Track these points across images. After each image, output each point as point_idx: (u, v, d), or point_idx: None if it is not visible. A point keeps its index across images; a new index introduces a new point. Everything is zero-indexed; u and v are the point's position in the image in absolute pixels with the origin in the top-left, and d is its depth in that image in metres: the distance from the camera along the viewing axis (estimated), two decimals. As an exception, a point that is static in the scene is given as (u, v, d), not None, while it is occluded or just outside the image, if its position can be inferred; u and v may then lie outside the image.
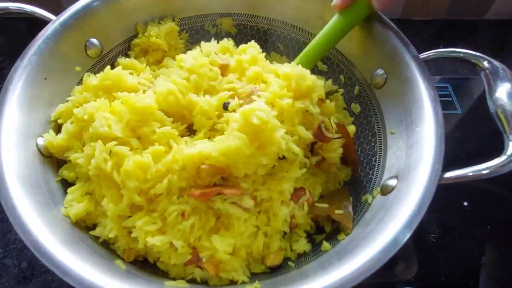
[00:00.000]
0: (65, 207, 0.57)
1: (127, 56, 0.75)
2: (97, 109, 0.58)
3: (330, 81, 0.76)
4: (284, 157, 0.58)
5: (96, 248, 0.55)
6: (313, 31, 0.75)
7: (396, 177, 0.58)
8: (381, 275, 0.59)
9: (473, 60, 0.61)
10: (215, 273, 0.55)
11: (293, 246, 0.61)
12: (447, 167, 0.53)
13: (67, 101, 0.64)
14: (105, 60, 0.72)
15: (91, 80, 0.64)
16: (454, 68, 1.02)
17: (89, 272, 0.46)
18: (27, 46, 0.62)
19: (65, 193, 0.59)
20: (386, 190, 0.58)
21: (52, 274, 0.67)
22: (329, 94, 0.69)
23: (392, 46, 0.64)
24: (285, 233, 0.61)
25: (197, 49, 0.68)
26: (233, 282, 0.56)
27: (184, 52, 0.73)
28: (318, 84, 0.61)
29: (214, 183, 0.56)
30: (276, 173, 0.59)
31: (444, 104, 0.90)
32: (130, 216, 0.56)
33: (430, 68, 1.01)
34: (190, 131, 0.62)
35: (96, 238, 0.57)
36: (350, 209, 0.61)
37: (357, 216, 0.60)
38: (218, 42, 0.70)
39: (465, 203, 0.78)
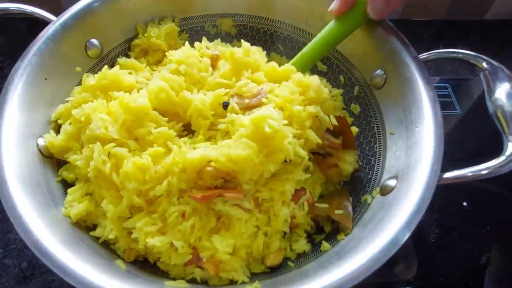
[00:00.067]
0: (66, 207, 0.57)
1: (127, 56, 0.75)
2: (94, 110, 0.58)
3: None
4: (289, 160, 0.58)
5: (96, 248, 0.55)
6: (313, 32, 0.75)
7: (395, 177, 0.58)
8: (381, 275, 0.59)
9: (472, 61, 0.62)
10: (215, 273, 0.55)
11: (293, 246, 0.61)
12: (446, 167, 0.53)
13: (67, 101, 0.64)
14: (105, 60, 0.72)
15: (89, 80, 0.64)
16: (454, 69, 1.02)
17: (89, 272, 0.46)
18: (28, 47, 0.62)
19: (66, 193, 0.59)
20: (385, 190, 0.58)
21: (52, 274, 0.67)
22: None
23: (391, 47, 0.64)
24: (285, 233, 0.61)
25: (186, 44, 0.68)
26: (233, 282, 0.56)
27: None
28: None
29: (216, 185, 0.56)
30: (279, 175, 0.59)
31: (444, 104, 0.91)
32: (130, 217, 0.56)
33: (430, 68, 1.02)
34: (187, 130, 0.62)
35: (97, 238, 0.57)
36: (350, 209, 0.61)
37: (356, 216, 0.61)
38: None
39: (465, 203, 0.78)
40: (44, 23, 0.66)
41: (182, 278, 0.56)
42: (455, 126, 0.90)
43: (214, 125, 0.60)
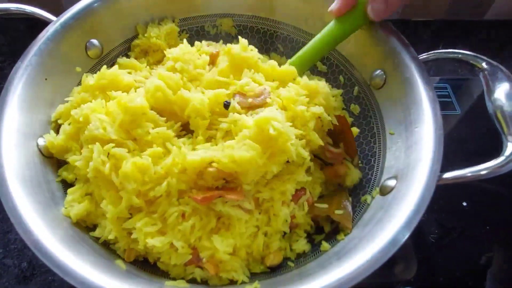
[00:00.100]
0: (66, 208, 0.57)
1: (127, 56, 0.75)
2: (92, 111, 0.58)
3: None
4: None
5: (96, 248, 0.55)
6: (313, 32, 0.75)
7: (395, 177, 0.58)
8: (380, 275, 0.59)
9: (471, 61, 0.62)
10: (215, 273, 0.56)
11: (293, 246, 0.61)
12: (446, 167, 0.53)
13: (67, 101, 0.64)
14: (105, 60, 0.72)
15: (89, 80, 0.64)
16: (454, 69, 1.03)
17: (89, 272, 0.47)
18: (28, 47, 0.62)
19: (66, 193, 0.59)
20: (385, 191, 0.58)
21: (52, 274, 0.67)
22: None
23: (391, 47, 0.64)
24: (285, 233, 0.62)
25: (185, 42, 0.68)
26: (233, 282, 0.56)
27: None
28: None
29: (216, 186, 0.56)
30: (281, 175, 0.59)
31: (444, 104, 0.91)
32: (130, 218, 0.56)
33: (430, 68, 1.02)
34: (186, 130, 0.62)
35: (97, 238, 0.57)
36: (350, 209, 0.61)
37: (356, 216, 0.61)
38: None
39: (464, 203, 0.78)
40: (44, 23, 0.66)
41: (182, 278, 0.56)
42: (455, 126, 0.90)
43: (213, 125, 0.60)
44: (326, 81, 0.76)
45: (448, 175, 0.53)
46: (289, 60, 0.68)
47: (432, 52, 0.65)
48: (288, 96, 0.60)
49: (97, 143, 0.54)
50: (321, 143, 0.61)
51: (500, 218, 0.77)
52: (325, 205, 0.62)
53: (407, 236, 0.48)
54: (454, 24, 1.11)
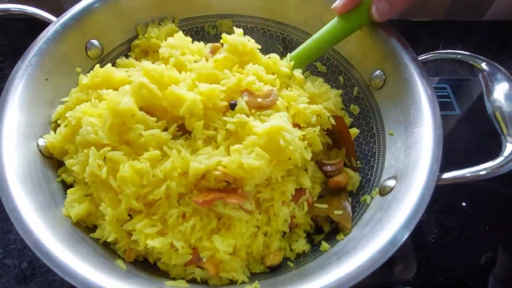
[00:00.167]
0: (66, 208, 0.57)
1: (128, 57, 0.75)
2: (84, 113, 0.57)
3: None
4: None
5: (96, 248, 0.55)
6: (312, 32, 0.75)
7: (394, 177, 0.58)
8: (380, 275, 0.60)
9: (470, 62, 0.62)
10: (215, 273, 0.56)
11: (293, 246, 0.61)
12: (445, 167, 0.53)
13: (65, 102, 0.64)
14: (105, 61, 0.72)
15: (83, 79, 0.64)
16: (453, 69, 1.03)
17: (89, 272, 0.47)
18: (28, 47, 0.62)
19: (66, 193, 0.59)
20: (384, 191, 0.58)
21: (52, 274, 0.67)
22: None
23: (391, 48, 0.64)
24: (284, 233, 0.62)
25: (180, 33, 0.69)
26: (232, 282, 0.56)
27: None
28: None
29: (218, 188, 0.56)
30: (283, 176, 0.59)
31: (443, 105, 0.91)
32: (129, 219, 0.56)
33: (429, 69, 1.02)
34: (182, 129, 0.60)
35: (97, 239, 0.57)
36: (349, 209, 0.62)
37: (356, 217, 0.61)
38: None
39: (464, 203, 0.78)
40: (45, 23, 0.66)
41: (182, 278, 0.56)
42: (454, 127, 0.90)
43: (210, 121, 0.59)
44: (326, 81, 0.76)
45: (447, 175, 0.53)
46: (289, 54, 0.69)
47: (431, 52, 0.65)
48: (289, 95, 0.61)
49: (92, 147, 0.54)
50: (321, 148, 0.62)
51: (499, 218, 0.77)
52: (324, 205, 0.63)
53: (406, 236, 0.48)
54: (454, 25, 1.11)
